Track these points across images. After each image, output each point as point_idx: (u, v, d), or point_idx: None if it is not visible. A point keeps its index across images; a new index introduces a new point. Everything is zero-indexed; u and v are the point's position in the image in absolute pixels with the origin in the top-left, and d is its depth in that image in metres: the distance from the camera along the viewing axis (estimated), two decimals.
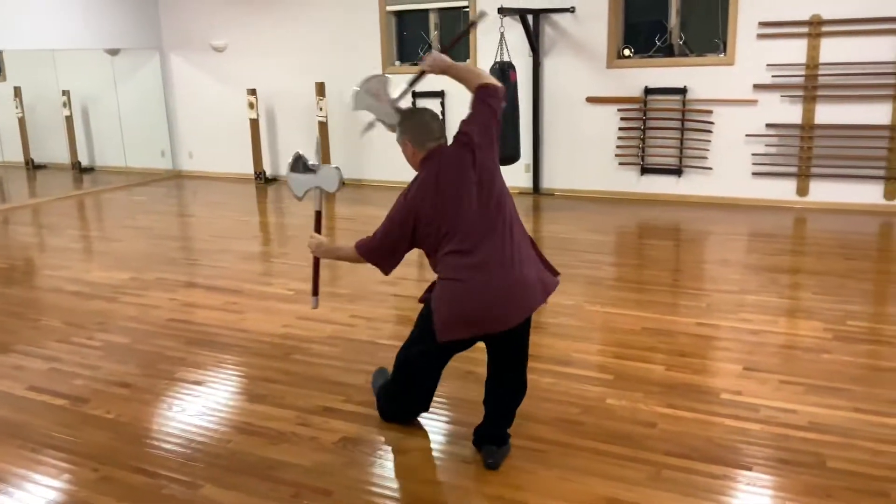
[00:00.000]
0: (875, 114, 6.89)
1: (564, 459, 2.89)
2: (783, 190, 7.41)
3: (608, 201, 8.07)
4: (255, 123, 9.63)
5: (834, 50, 6.94)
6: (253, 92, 9.52)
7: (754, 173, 7.49)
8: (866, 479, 2.70)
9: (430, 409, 3.20)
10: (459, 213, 2.69)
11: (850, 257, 5.68)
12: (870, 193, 7.09)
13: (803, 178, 7.31)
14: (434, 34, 9.06)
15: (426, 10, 8.95)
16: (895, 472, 2.74)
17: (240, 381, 3.80)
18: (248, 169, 9.95)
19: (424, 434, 3.15)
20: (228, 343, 4.26)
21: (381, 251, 2.87)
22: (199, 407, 3.47)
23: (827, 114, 7.07)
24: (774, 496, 2.66)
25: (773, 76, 7.22)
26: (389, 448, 3.07)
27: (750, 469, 2.79)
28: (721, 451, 2.93)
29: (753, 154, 7.45)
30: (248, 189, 9.53)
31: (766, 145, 7.39)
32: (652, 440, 3.02)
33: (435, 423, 3.22)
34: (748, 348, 3.97)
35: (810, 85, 7.08)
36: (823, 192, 7.25)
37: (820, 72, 7.03)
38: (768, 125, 7.32)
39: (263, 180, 9.80)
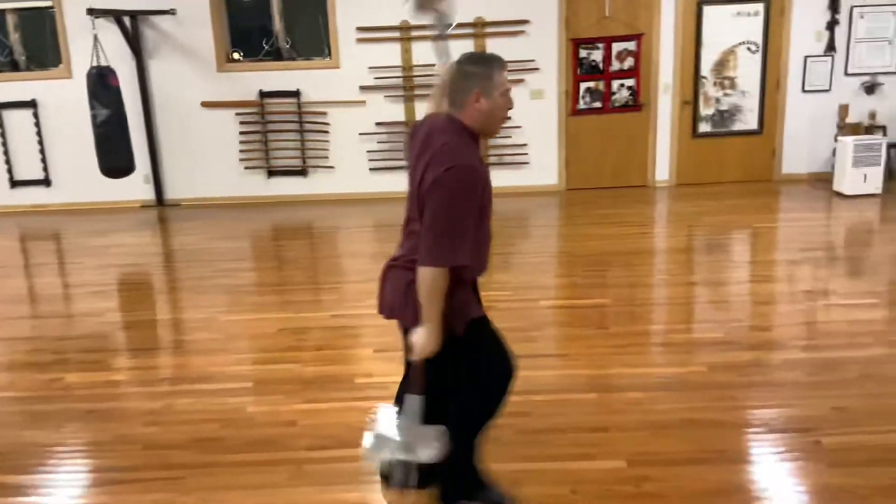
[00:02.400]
0: None
1: (204, 480, 2.80)
2: (397, 181, 8.06)
3: (237, 207, 7.98)
4: None
5: (424, 52, 7.72)
6: None
7: (371, 168, 8.03)
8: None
9: None
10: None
11: None
12: None
13: None
14: (14, 37, 8.00)
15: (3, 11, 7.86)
16: (506, 419, 3.16)
17: None
18: None
19: None
20: None
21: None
22: None
23: (425, 111, 7.85)
24: None
25: (375, 78, 7.79)
26: None
27: None
28: (357, 433, 3.08)
29: (369, 151, 7.98)
30: None
31: (379, 142, 7.96)
32: (293, 438, 3.07)
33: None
34: (376, 332, 4.25)
35: (408, 85, 7.79)
36: None
37: (414, 73, 7.77)
38: (378, 123, 7.89)
39: None
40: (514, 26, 7.64)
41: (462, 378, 2.42)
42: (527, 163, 8.01)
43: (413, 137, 2.40)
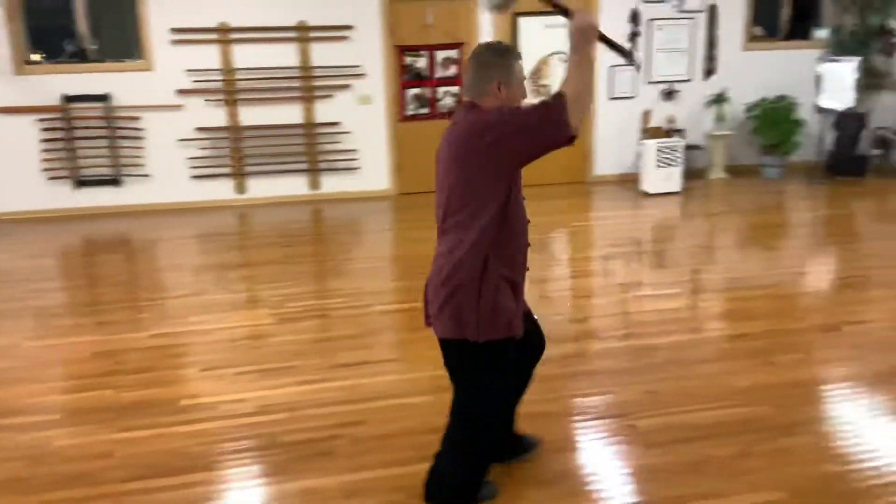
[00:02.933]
0: (290, 114, 7.68)
1: None
2: (222, 190, 7.74)
3: (43, 221, 7.30)
4: None
5: (246, 55, 7.47)
6: None
7: (193, 176, 7.65)
8: (313, 444, 3.02)
9: None
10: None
11: (287, 245, 6.27)
12: (297, 185, 7.91)
13: (239, 176, 7.76)
14: None
15: None
16: (337, 430, 3.13)
17: None
18: None
19: None
20: None
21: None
22: None
23: (250, 115, 7.60)
24: (235, 487, 2.78)
25: (194, 81, 7.43)
26: None
27: (211, 469, 2.86)
28: (181, 460, 2.93)
29: (189, 158, 7.59)
30: None
31: (201, 148, 7.60)
32: (109, 471, 2.85)
33: None
34: (203, 349, 4.06)
35: (229, 89, 7.51)
36: (259, 188, 7.82)
37: (237, 76, 7.50)
38: (198, 129, 7.53)
39: None
40: (337, 31, 7.59)
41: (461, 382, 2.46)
42: (358, 168, 7.98)
43: (448, 128, 2.41)
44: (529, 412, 3.20)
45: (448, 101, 8.06)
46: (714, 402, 3.30)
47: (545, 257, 5.78)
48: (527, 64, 8.09)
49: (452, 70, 8.00)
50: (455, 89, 8.03)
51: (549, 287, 5.04)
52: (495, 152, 2.18)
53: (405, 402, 3.36)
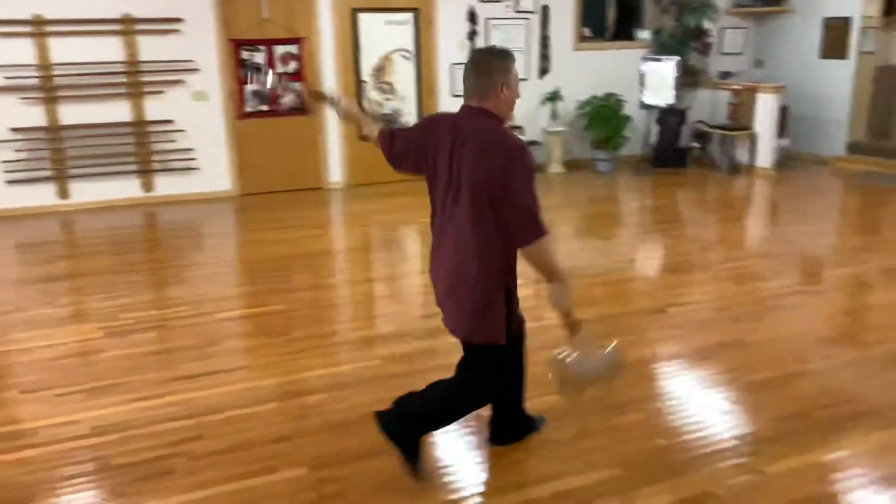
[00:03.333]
0: (117, 111, 7.19)
1: None
2: (43, 195, 7.13)
3: None
4: None
5: (65, 50, 6.91)
6: None
7: (9, 181, 6.99)
8: (150, 464, 2.84)
9: None
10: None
11: (119, 252, 5.87)
12: (129, 188, 7.43)
13: (61, 180, 7.17)
14: None
15: None
16: (175, 448, 2.96)
17: None
18: None
19: None
20: None
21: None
22: None
23: (72, 114, 7.04)
24: None
25: (5, 77, 6.79)
26: None
27: (37, 500, 2.62)
28: (4, 492, 2.66)
29: (4, 161, 6.93)
30: None
31: (16, 150, 6.96)
32: None
33: None
34: (24, 370, 3.72)
35: (47, 86, 6.92)
36: (85, 192, 7.27)
37: (55, 72, 6.92)
38: (13, 129, 6.89)
39: None
40: (166, 24, 7.19)
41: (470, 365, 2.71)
42: (196, 168, 7.62)
43: (431, 129, 2.56)
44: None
45: (290, 98, 7.87)
46: (554, 387, 3.43)
47: (395, 255, 5.80)
48: (369, 61, 8.10)
49: (293, 66, 7.82)
50: (296, 85, 7.86)
51: (400, 285, 5.06)
52: (502, 179, 2.34)
53: (248, 412, 3.24)
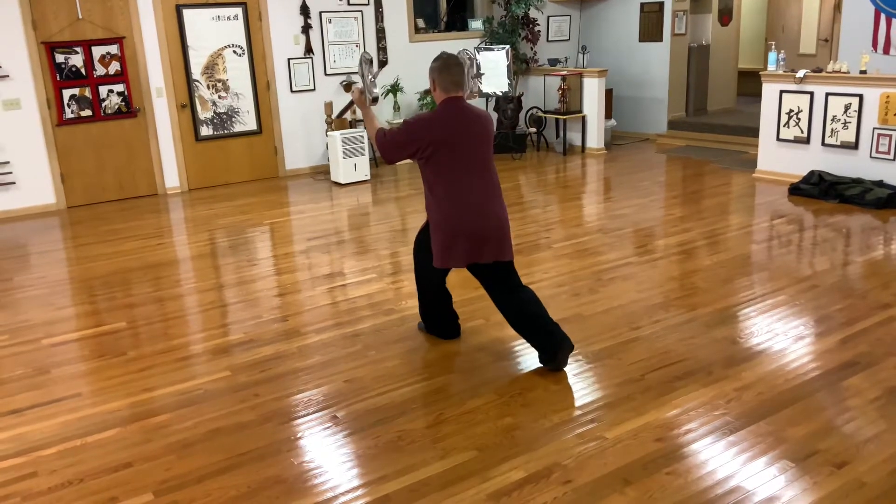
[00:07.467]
0: None
1: None
2: None
3: None
4: None
5: None
6: None
7: None
8: None
9: None
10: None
11: None
12: None
13: None
14: None
15: None
16: (8, 488, 2.73)
17: None
18: None
19: None
20: None
21: (391, 152, 3.54)
22: None
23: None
24: None
25: None
26: None
27: None
28: None
29: None
30: None
31: None
32: None
33: None
34: None
35: None
36: None
37: None
38: None
39: None
40: None
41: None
42: (13, 182, 7.01)
43: (455, 114, 3.40)
44: (224, 426, 3.09)
45: (115, 101, 7.40)
46: (409, 379, 3.48)
47: (241, 259, 5.61)
48: (199, 59, 7.76)
49: (115, 67, 7.36)
50: (121, 87, 7.40)
51: (248, 290, 4.91)
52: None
53: (85, 441, 3.04)
